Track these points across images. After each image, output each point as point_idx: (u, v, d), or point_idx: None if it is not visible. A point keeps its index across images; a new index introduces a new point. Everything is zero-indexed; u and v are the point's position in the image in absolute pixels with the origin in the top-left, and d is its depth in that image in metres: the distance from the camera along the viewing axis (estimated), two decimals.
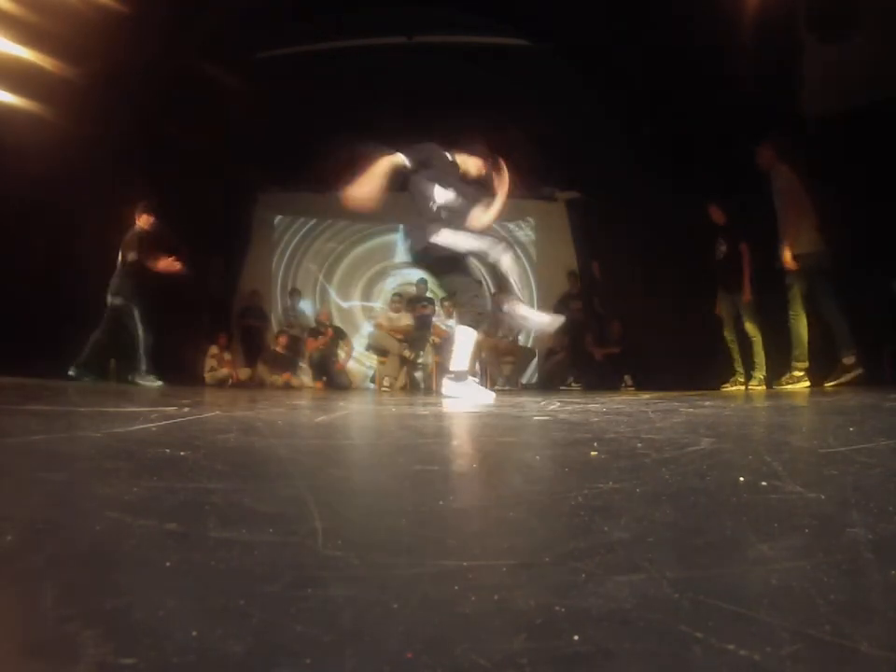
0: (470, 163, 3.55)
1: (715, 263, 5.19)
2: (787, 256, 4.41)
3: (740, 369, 5.14)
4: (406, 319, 7.63)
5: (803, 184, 4.47)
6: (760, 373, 4.92)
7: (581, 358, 7.38)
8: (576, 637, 0.44)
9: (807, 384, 4.40)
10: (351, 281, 9.20)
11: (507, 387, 7.42)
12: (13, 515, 0.76)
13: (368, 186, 3.25)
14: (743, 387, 5.03)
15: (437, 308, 7.90)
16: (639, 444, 1.35)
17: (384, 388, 7.16)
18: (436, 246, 3.33)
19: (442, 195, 3.42)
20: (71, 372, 5.15)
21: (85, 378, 5.14)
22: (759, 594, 0.51)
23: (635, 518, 0.75)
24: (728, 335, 5.16)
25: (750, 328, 4.95)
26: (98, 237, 5.65)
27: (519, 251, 9.13)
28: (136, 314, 5.33)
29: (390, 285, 9.06)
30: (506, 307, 3.41)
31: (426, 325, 7.57)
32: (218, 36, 5.77)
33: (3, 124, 5.07)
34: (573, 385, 7.07)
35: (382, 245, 9.20)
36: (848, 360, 4.24)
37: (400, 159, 3.33)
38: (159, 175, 6.13)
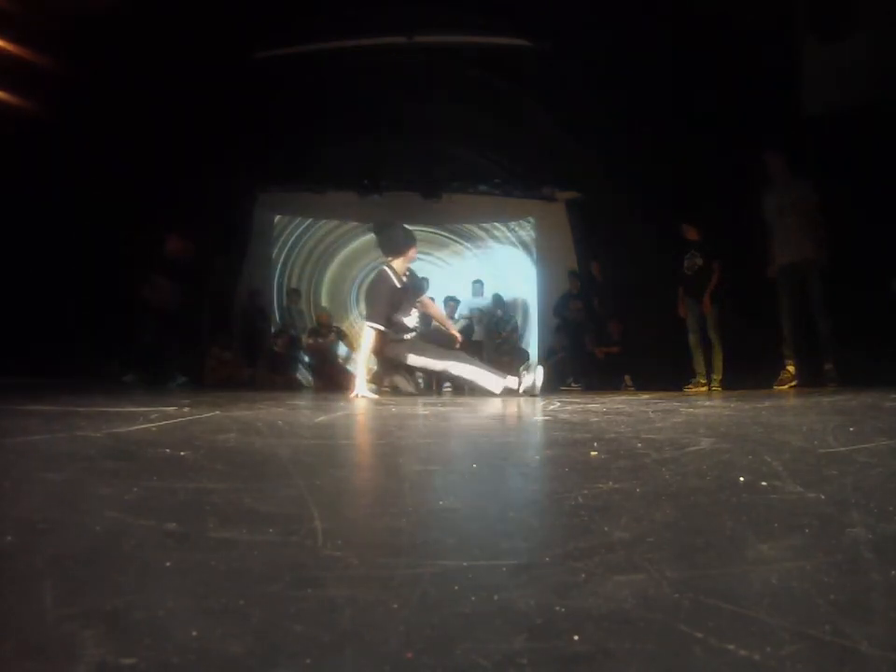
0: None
1: (685, 272, 5.62)
2: (773, 270, 4.82)
3: (702, 370, 5.54)
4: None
5: (818, 196, 4.69)
6: (717, 376, 5.38)
7: (581, 358, 7.38)
8: (576, 637, 0.44)
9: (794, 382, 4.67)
10: (344, 279, 9.20)
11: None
12: (13, 515, 0.76)
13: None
14: (705, 388, 5.38)
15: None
16: (639, 444, 1.35)
17: (384, 389, 7.15)
18: None
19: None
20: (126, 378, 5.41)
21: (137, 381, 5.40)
22: (759, 594, 0.51)
23: (635, 518, 0.75)
24: (692, 340, 5.58)
25: (713, 335, 5.43)
26: (96, 236, 5.65)
27: (521, 250, 9.14)
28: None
29: None
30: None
31: (426, 324, 7.56)
32: (218, 35, 5.77)
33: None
34: (573, 385, 7.07)
35: (373, 241, 9.22)
36: (828, 367, 4.49)
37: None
38: (158, 175, 6.13)
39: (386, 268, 4.16)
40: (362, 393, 3.72)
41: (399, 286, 4.08)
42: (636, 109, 6.00)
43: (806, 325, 4.65)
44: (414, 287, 4.27)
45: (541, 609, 0.49)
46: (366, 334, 3.93)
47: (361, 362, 3.95)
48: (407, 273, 4.18)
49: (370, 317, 4.00)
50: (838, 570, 0.56)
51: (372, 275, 4.38)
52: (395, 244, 4.17)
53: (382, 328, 3.92)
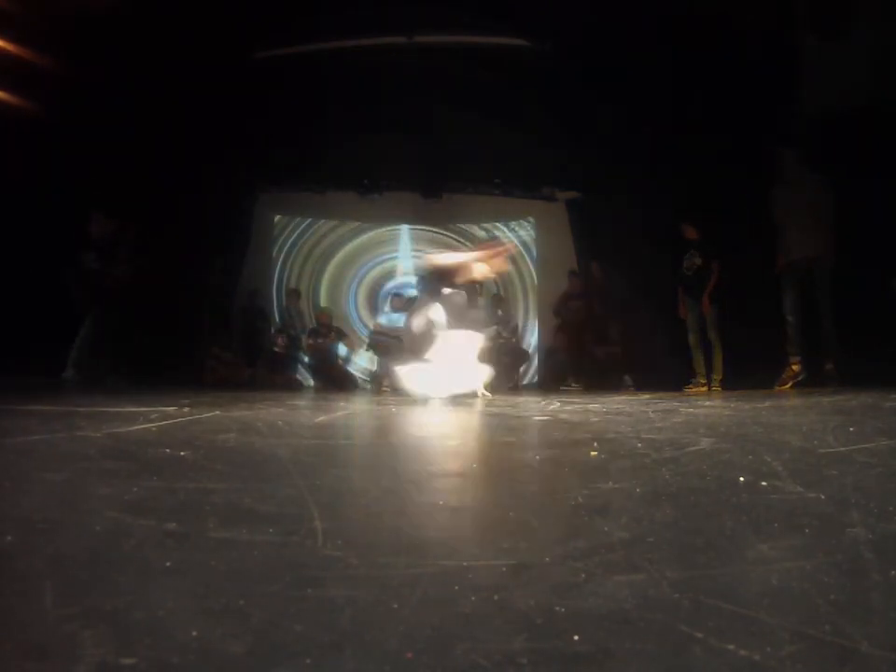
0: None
1: (685, 272, 5.60)
2: (781, 262, 4.75)
3: (702, 370, 5.53)
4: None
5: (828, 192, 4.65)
6: (717, 376, 5.37)
7: (581, 358, 7.37)
8: (576, 637, 0.44)
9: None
10: (344, 279, 9.21)
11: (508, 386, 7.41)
12: (13, 515, 0.76)
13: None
14: (704, 389, 5.37)
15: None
16: (639, 444, 1.35)
17: (384, 389, 7.16)
18: None
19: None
20: (65, 374, 5.11)
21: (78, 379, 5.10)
22: (759, 594, 0.51)
23: (635, 518, 0.75)
24: (692, 340, 5.57)
25: (713, 335, 5.42)
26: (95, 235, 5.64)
27: (522, 250, 9.14)
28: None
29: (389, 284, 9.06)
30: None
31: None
32: (218, 35, 5.77)
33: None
34: (573, 385, 7.06)
35: (372, 239, 9.21)
36: (829, 367, 4.44)
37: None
38: (158, 175, 6.13)
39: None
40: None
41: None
42: (636, 109, 6.00)
43: (808, 323, 4.63)
44: None
45: (541, 608, 0.49)
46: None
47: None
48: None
49: None
50: (838, 570, 0.56)
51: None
52: None
53: None
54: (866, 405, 2.42)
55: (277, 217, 9.10)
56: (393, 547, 0.66)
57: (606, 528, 0.70)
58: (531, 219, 9.14)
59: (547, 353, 8.19)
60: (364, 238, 9.20)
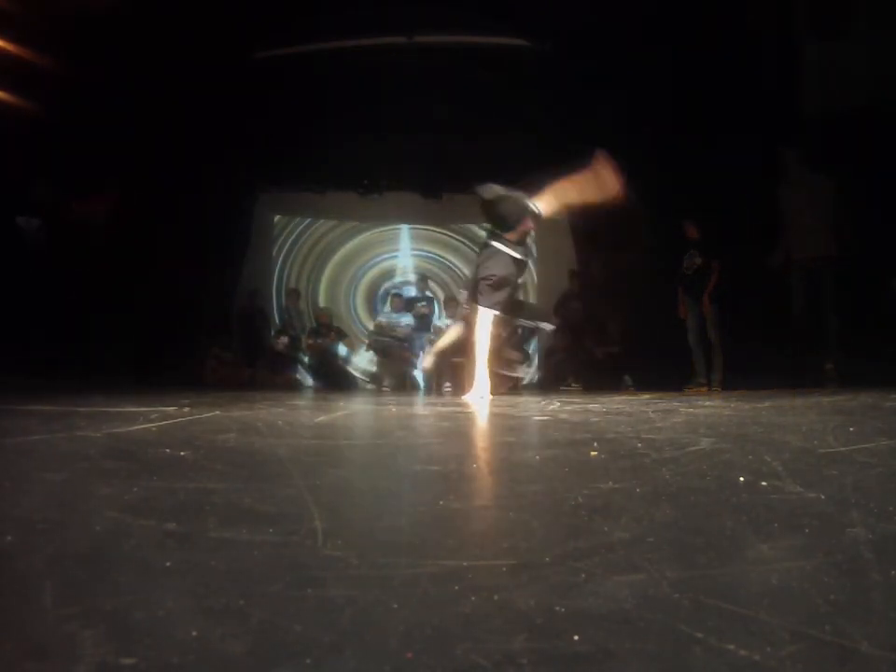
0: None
1: (685, 272, 5.62)
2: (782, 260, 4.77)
3: (702, 370, 5.53)
4: (406, 319, 7.63)
5: (830, 189, 4.65)
6: (717, 376, 5.36)
7: (580, 358, 7.37)
8: (576, 637, 0.44)
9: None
10: (344, 279, 9.21)
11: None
12: (13, 515, 0.76)
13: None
14: (704, 389, 5.36)
15: (437, 307, 7.89)
16: (639, 444, 1.35)
17: (384, 388, 7.16)
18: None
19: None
20: None
21: None
22: (759, 594, 0.51)
23: (635, 518, 0.75)
24: (692, 340, 5.58)
25: (713, 335, 5.42)
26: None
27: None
28: None
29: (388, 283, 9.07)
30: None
31: (426, 325, 7.55)
32: (218, 35, 5.77)
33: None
34: (573, 385, 7.05)
35: (371, 239, 9.22)
36: (829, 367, 4.45)
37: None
38: (158, 174, 6.13)
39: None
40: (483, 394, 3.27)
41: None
42: (636, 109, 5.99)
43: (809, 323, 4.63)
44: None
45: (541, 608, 0.49)
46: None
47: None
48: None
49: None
50: (838, 570, 0.56)
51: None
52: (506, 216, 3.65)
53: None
54: (866, 405, 2.42)
55: (277, 217, 9.10)
56: (393, 547, 0.66)
57: (606, 528, 0.70)
58: None
59: (547, 353, 8.19)
60: (363, 238, 9.20)
